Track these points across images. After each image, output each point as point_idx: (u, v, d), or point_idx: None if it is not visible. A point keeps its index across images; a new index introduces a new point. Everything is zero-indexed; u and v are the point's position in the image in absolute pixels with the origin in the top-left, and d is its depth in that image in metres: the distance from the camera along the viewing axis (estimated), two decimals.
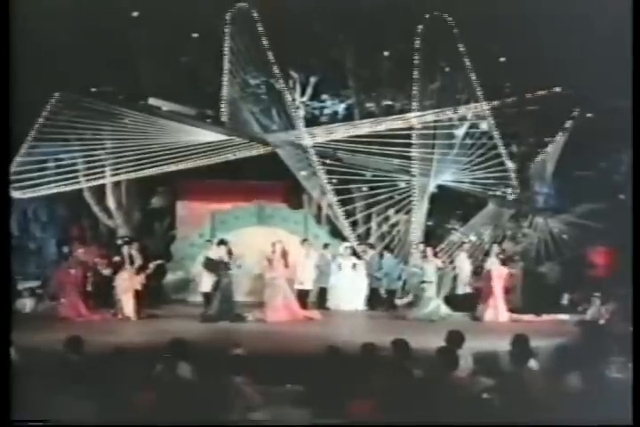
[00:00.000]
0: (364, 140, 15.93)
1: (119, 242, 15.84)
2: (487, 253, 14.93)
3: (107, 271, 14.49)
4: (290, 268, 14.07)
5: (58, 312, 13.51)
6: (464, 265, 15.22)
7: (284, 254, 13.82)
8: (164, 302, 15.66)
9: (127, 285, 13.70)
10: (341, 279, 15.44)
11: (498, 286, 14.01)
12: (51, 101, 15.06)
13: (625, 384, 5.92)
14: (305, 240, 15.56)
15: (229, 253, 13.59)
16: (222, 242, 13.89)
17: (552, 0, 14.56)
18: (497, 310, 13.85)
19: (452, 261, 15.65)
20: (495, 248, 14.58)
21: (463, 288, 15.09)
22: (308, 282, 15.05)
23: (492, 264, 14.21)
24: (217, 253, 13.70)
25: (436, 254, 14.61)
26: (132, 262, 13.88)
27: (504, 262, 14.36)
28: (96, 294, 14.36)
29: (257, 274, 15.21)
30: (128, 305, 13.56)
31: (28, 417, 5.58)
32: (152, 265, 14.20)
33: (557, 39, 14.72)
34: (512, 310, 14.01)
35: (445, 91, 16.26)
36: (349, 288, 15.45)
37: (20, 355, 6.96)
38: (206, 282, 13.94)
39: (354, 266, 15.47)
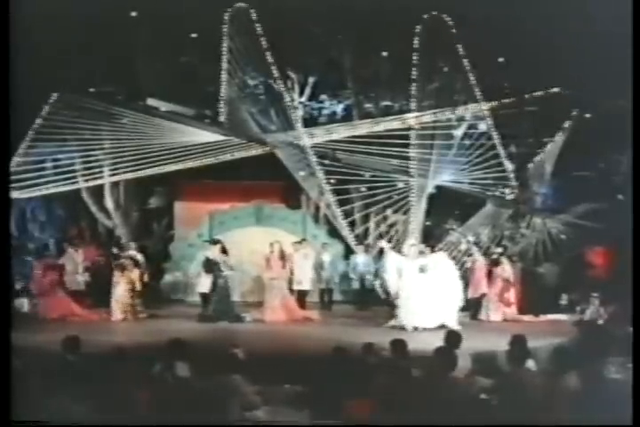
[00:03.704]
0: (363, 140, 15.89)
1: (118, 242, 15.84)
2: (485, 254, 14.91)
3: (105, 271, 14.48)
4: (288, 268, 14.09)
5: (47, 312, 13.43)
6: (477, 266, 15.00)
7: (283, 255, 13.84)
8: (163, 302, 15.67)
9: (125, 285, 13.70)
10: (409, 288, 12.52)
11: (496, 286, 14.01)
12: (49, 101, 15.03)
13: (624, 385, 5.91)
14: (303, 240, 15.54)
15: (224, 251, 13.57)
16: (215, 241, 13.88)
17: (552, 0, 14.56)
18: (495, 310, 13.85)
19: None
20: (494, 249, 14.56)
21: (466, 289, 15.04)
22: (306, 282, 15.03)
23: (491, 264, 14.20)
24: (214, 253, 13.70)
25: None
26: (131, 263, 13.88)
27: (502, 263, 14.34)
28: (94, 293, 14.34)
29: (255, 274, 15.19)
30: (126, 305, 13.56)
31: (27, 417, 5.57)
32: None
33: (557, 39, 14.72)
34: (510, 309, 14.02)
35: (444, 91, 16.22)
36: (425, 299, 12.46)
37: (18, 355, 6.94)
38: (204, 282, 13.93)
39: (423, 269, 12.69)
